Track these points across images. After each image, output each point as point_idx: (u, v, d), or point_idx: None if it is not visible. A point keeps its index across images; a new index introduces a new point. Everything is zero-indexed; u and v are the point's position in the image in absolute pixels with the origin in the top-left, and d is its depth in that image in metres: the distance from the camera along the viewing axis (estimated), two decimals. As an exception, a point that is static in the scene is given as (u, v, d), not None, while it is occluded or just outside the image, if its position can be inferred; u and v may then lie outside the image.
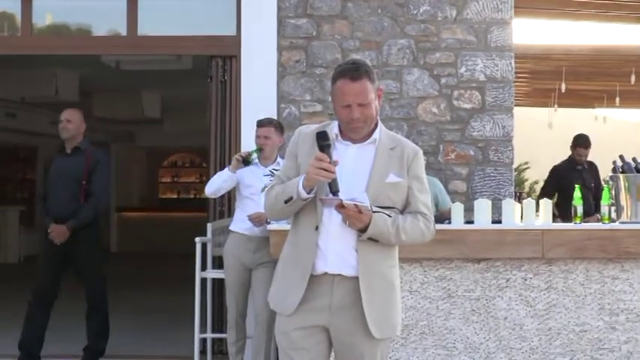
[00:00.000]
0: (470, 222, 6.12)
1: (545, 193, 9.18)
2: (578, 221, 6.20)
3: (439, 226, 5.98)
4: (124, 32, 7.80)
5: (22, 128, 16.21)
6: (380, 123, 3.79)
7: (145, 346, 8.10)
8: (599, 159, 9.49)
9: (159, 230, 18.60)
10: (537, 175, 19.07)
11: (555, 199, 9.17)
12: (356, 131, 3.69)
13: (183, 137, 18.14)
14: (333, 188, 3.55)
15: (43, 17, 8.14)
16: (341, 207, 3.55)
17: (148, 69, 10.96)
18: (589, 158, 9.43)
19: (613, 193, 6.36)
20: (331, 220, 3.65)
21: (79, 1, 8.04)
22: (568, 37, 11.30)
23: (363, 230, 3.60)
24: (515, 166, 7.62)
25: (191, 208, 18.56)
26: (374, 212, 3.59)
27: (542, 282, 5.94)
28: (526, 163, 20.25)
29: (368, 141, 3.74)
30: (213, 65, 7.57)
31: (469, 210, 6.30)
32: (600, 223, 6.21)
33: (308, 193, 3.61)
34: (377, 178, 3.68)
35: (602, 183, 8.84)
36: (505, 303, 5.94)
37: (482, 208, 6.09)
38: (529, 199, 6.33)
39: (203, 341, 7.21)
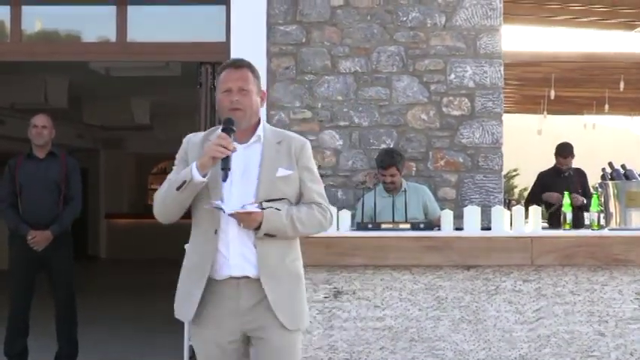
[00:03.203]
0: (459, 229, 6.12)
1: (532, 199, 9.15)
2: (567, 228, 6.20)
3: (428, 233, 6.02)
4: (113, 39, 7.79)
5: (11, 135, 16.14)
6: (263, 121, 3.86)
7: (134, 352, 8.07)
8: (589, 166, 9.50)
9: (148, 236, 18.55)
10: (527, 182, 19.10)
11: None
12: (237, 120, 3.71)
13: (172, 144, 18.06)
14: (226, 165, 3.58)
15: (33, 24, 8.11)
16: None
17: (138, 75, 10.96)
18: (577, 165, 9.43)
19: (602, 200, 6.37)
20: (229, 223, 3.68)
21: (69, 7, 8.01)
22: (557, 44, 11.34)
23: (258, 228, 3.65)
24: (504, 172, 7.62)
25: (180, 214, 18.51)
26: (264, 208, 3.63)
27: (531, 289, 5.93)
28: (515, 169, 20.30)
29: (252, 139, 3.79)
30: (203, 71, 7.57)
31: (458, 217, 6.30)
32: (589, 230, 6.22)
33: (202, 177, 3.62)
34: (267, 173, 3.72)
35: (591, 189, 8.83)
36: (494, 310, 5.93)
37: (472, 214, 6.08)
38: (518, 205, 6.32)
39: (192, 347, 7.19)
